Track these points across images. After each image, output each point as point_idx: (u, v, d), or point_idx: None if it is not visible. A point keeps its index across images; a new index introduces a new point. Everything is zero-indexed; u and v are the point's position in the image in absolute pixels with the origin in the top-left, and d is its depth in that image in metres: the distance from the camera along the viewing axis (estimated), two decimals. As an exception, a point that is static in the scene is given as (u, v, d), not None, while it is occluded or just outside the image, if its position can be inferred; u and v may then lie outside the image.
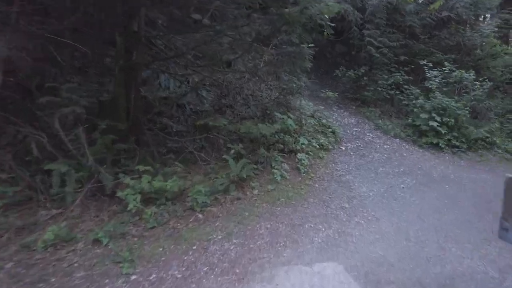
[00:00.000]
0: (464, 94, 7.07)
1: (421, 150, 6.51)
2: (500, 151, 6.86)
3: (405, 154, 6.14)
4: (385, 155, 5.89)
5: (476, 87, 6.97)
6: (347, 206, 3.94)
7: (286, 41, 4.57)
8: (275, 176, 4.28)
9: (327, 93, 7.24)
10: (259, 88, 6.04)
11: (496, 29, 7.91)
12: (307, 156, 4.95)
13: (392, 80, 7.59)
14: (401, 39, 7.75)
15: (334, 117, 7.10)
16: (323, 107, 7.01)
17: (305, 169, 4.68)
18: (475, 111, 7.28)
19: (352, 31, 7.95)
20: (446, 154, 6.47)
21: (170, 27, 4.01)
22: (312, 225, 3.41)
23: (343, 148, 5.91)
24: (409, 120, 7.00)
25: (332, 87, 8.61)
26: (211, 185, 3.76)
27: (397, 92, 7.56)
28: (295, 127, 5.19)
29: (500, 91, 8.20)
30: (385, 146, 6.34)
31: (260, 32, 3.86)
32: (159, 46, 4.45)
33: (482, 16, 9.31)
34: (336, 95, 7.50)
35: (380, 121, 7.24)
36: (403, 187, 4.69)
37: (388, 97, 7.76)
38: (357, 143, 6.26)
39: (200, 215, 3.35)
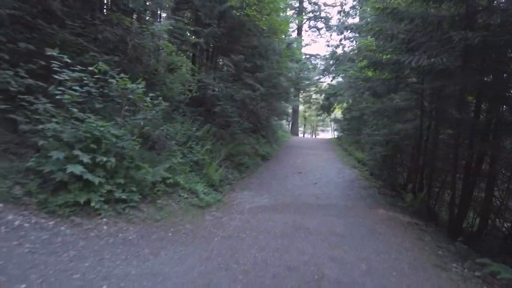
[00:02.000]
0: (129, 116, 4.68)
1: (51, 223, 3.24)
2: (185, 194, 5.13)
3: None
4: None
5: (147, 104, 4.77)
6: None
7: None
8: None
9: None
10: None
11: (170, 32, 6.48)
12: None
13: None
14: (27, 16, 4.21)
15: None
16: None
17: None
18: (150, 140, 5.15)
19: None
20: (104, 221, 3.65)
21: None
22: None
23: None
24: (31, 163, 3.52)
25: None
26: None
27: (14, 106, 3.85)
28: None
29: (179, 112, 6.80)
30: None
31: None
32: None
33: (154, 15, 7.90)
34: None
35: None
36: None
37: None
38: None
39: None
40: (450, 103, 6.14)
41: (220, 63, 8.78)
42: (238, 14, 7.55)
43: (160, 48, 6.05)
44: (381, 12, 5.37)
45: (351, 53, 19.04)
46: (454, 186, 5.71)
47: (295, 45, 12.30)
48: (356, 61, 9.25)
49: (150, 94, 4.92)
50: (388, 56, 6.04)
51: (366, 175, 8.95)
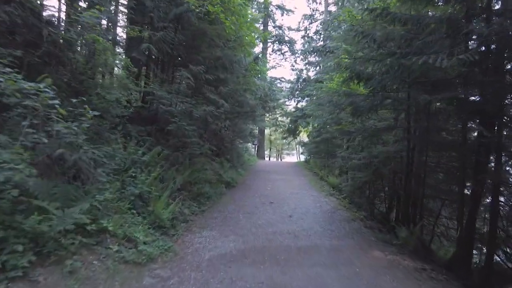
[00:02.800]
0: (35, 133, 3.15)
1: None
2: (116, 246, 3.56)
3: None
4: None
5: (58, 116, 3.28)
6: None
7: None
8: None
9: None
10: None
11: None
12: None
13: None
14: None
15: None
16: None
17: None
18: (69, 167, 3.59)
19: None
20: None
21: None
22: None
23: None
24: None
25: None
26: None
27: None
28: None
29: (119, 131, 5.30)
30: None
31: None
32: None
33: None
34: None
35: None
36: None
37: None
38: None
39: None
40: (443, 121, 5.38)
41: (178, 76, 7.47)
42: (198, 16, 6.40)
43: (92, 44, 4.60)
44: (369, 14, 4.54)
45: (317, 75, 18.85)
46: (462, 218, 4.79)
47: (261, 62, 11.44)
48: (335, 72, 8.55)
49: (74, 101, 3.44)
50: (375, 66, 5.21)
51: (345, 204, 7.91)
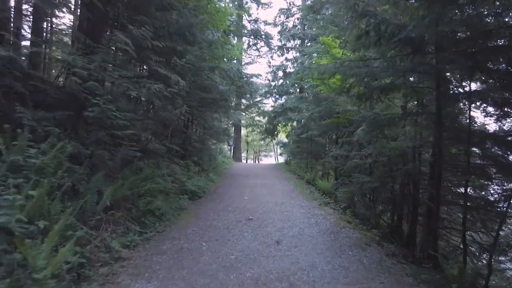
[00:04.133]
0: None
1: None
2: None
3: None
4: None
5: None
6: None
7: None
8: None
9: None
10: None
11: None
12: None
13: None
14: None
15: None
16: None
17: None
18: None
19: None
20: None
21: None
22: None
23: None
24: None
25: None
26: None
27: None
28: None
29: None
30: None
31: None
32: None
33: None
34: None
35: None
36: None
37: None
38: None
39: None
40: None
41: (114, 41, 5.21)
42: None
43: None
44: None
45: (297, 69, 17.00)
46: None
47: (235, 42, 9.34)
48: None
49: None
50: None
51: (348, 218, 5.99)
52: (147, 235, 4.40)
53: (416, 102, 6.03)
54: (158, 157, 5.92)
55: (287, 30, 23.06)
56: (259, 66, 58.06)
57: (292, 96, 19.70)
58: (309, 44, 18.40)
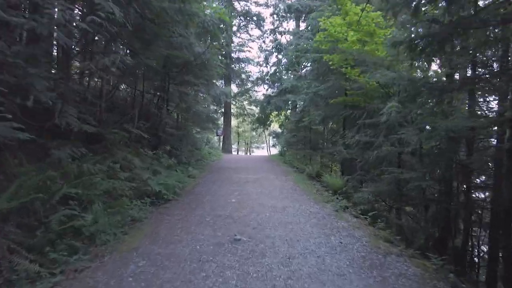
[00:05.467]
0: None
1: None
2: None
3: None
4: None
5: None
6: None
7: None
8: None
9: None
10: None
11: None
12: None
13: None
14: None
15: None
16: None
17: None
18: None
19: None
20: None
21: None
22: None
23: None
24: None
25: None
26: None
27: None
28: None
29: None
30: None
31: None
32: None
33: None
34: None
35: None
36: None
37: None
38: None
39: None
40: None
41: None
42: None
43: None
44: None
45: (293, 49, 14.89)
46: None
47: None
48: None
49: None
50: None
51: (383, 233, 4.04)
52: (46, 284, 2.39)
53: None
54: (121, 144, 3.85)
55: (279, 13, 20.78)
56: (249, 53, 55.61)
57: (286, 78, 17.74)
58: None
